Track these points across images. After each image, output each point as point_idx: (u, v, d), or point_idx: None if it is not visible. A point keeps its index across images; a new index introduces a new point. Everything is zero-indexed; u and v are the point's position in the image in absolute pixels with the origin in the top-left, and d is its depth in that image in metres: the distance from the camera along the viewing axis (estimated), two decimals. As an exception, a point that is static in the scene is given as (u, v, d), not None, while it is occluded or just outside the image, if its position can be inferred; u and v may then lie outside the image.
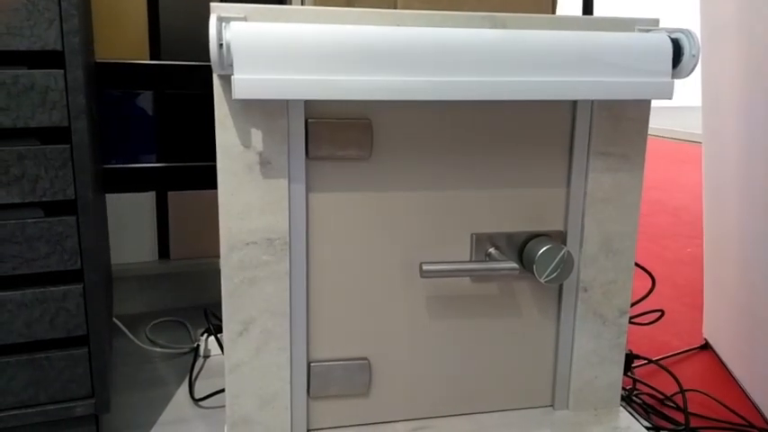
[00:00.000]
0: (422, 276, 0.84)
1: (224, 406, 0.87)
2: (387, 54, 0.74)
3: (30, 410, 0.87)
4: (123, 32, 1.37)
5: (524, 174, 0.89)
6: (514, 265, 0.86)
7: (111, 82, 1.37)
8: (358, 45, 0.74)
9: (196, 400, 1.10)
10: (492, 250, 0.89)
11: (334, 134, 0.82)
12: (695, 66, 0.80)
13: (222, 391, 1.09)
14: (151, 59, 1.41)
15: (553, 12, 0.96)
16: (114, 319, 1.30)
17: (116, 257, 1.43)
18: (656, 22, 0.86)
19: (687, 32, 0.80)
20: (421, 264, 0.84)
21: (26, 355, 0.86)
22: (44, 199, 0.82)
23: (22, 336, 0.85)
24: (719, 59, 1.35)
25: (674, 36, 0.81)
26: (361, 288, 0.88)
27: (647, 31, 0.84)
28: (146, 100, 1.41)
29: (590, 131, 0.89)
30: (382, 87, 0.74)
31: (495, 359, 0.94)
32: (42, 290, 0.85)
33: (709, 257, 1.52)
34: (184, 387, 1.14)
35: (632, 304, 0.96)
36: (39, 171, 0.81)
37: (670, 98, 0.81)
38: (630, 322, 0.96)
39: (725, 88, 1.33)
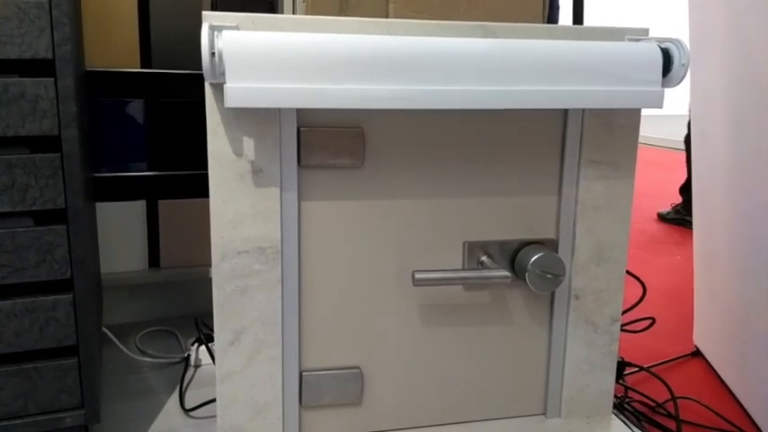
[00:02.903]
0: (414, 284, 0.84)
1: (215, 416, 0.86)
2: (379, 63, 0.74)
3: (19, 421, 0.86)
4: (114, 40, 1.37)
5: (516, 182, 0.89)
6: (506, 273, 0.86)
7: (101, 90, 1.36)
8: (350, 54, 0.74)
9: (187, 410, 1.09)
10: (484, 258, 0.89)
11: (326, 142, 0.82)
12: (685, 75, 0.81)
13: (213, 400, 1.08)
14: (142, 68, 1.40)
15: (544, 21, 0.96)
16: (104, 329, 1.29)
17: (106, 266, 1.42)
18: (646, 31, 0.86)
19: (677, 42, 0.81)
20: (413, 272, 0.84)
21: (15, 366, 0.85)
22: (34, 208, 0.81)
23: (12, 346, 0.84)
24: (708, 68, 1.36)
25: (663, 45, 0.82)
26: (353, 296, 0.88)
27: (637, 40, 0.85)
28: (136, 108, 1.41)
29: (581, 140, 0.89)
30: (374, 96, 0.74)
31: (487, 367, 0.94)
32: (32, 299, 0.84)
33: (699, 265, 1.52)
34: (175, 397, 1.14)
35: (623, 312, 0.96)
36: (29, 180, 0.80)
37: (660, 107, 0.81)
38: (622, 330, 0.97)
39: (714, 96, 1.35)
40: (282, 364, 0.86)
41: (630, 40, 0.85)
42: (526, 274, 0.86)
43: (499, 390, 0.95)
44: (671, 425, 1.17)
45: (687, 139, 3.20)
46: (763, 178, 1.16)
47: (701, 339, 1.52)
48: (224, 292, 0.82)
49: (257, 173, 0.80)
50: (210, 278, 0.82)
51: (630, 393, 1.26)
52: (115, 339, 1.27)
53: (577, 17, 1.28)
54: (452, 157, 0.87)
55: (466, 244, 0.89)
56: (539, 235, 0.91)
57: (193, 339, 1.31)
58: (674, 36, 0.82)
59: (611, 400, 0.98)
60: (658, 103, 0.82)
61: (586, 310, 0.94)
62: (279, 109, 0.79)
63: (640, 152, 0.97)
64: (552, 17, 2.29)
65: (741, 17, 1.19)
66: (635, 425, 1.15)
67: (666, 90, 0.82)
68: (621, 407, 1.20)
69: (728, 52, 1.26)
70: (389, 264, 0.88)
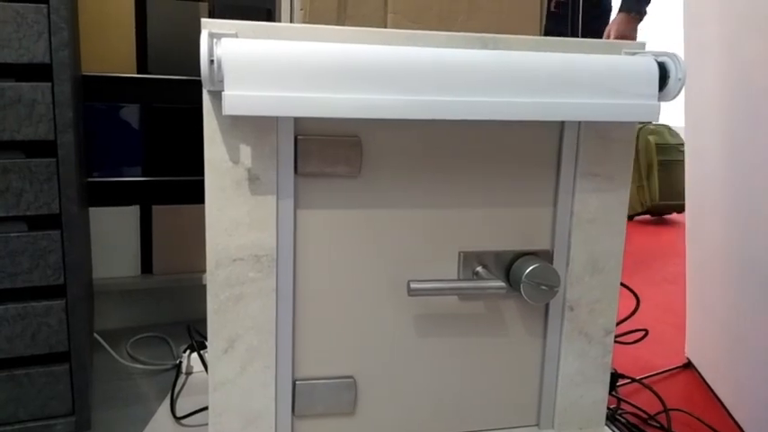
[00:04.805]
0: (409, 294, 0.84)
1: (206, 424, 0.86)
2: (376, 72, 0.74)
3: (9, 428, 0.85)
4: (111, 45, 1.37)
5: (512, 193, 0.89)
6: (501, 283, 0.86)
7: (97, 95, 1.36)
8: (348, 63, 0.74)
9: (178, 418, 1.09)
10: (479, 269, 0.89)
11: (323, 151, 0.82)
12: (681, 89, 0.81)
13: (205, 408, 1.07)
14: (138, 73, 1.40)
15: (541, 33, 0.97)
16: (95, 335, 1.28)
17: (98, 272, 1.42)
18: (643, 45, 0.87)
19: (673, 56, 0.82)
20: (409, 282, 0.84)
21: (6, 372, 0.84)
22: (28, 213, 0.81)
23: (2, 351, 0.83)
24: (703, 81, 1.37)
25: (660, 59, 0.82)
26: (348, 306, 0.87)
27: (634, 54, 0.86)
28: (132, 113, 1.40)
29: (577, 152, 0.89)
30: (372, 105, 0.75)
31: (481, 378, 0.94)
32: (24, 305, 0.83)
33: (691, 276, 1.53)
34: (166, 404, 1.13)
35: (617, 323, 0.96)
36: (23, 184, 0.80)
37: (656, 120, 0.82)
38: (615, 341, 0.97)
39: (708, 109, 1.35)
40: (276, 372, 0.86)
41: (627, 53, 0.86)
42: (521, 285, 0.86)
43: (493, 400, 0.95)
44: (663, 437, 1.17)
45: None
46: (756, 192, 1.16)
47: (693, 351, 1.52)
48: (218, 299, 0.82)
49: (254, 180, 0.80)
50: (203, 285, 0.82)
51: (623, 405, 1.26)
52: (106, 345, 1.27)
53: (574, 30, 1.29)
54: (449, 168, 0.87)
55: (461, 254, 0.89)
56: (534, 246, 0.91)
57: (185, 346, 1.30)
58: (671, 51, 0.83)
59: (604, 412, 0.98)
60: (654, 117, 0.82)
61: (580, 322, 0.94)
62: (276, 117, 0.79)
63: (635, 165, 0.97)
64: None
65: (736, 35, 1.20)
66: (627, 437, 1.15)
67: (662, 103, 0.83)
68: (614, 418, 1.20)
69: (723, 68, 1.27)
70: (385, 273, 0.88)
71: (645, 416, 1.23)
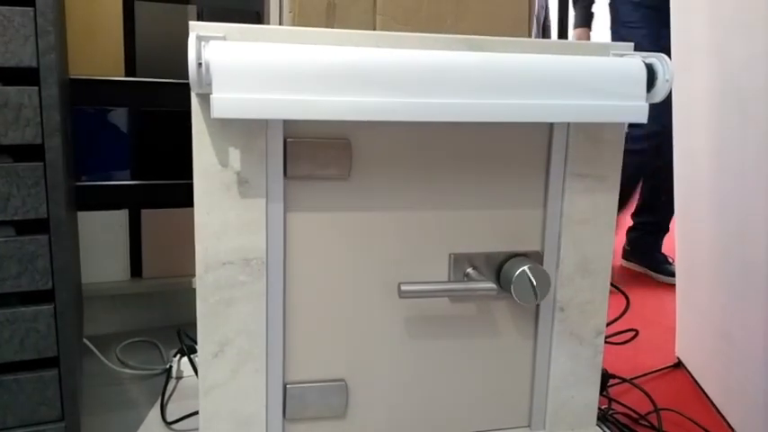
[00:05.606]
0: (400, 297, 0.84)
1: (197, 429, 0.85)
2: (366, 75, 0.74)
3: (-4, 435, 0.85)
4: (98, 48, 1.36)
5: (502, 194, 0.89)
6: (492, 285, 0.86)
7: (85, 98, 1.35)
8: (337, 66, 0.74)
9: (168, 423, 1.08)
10: (470, 270, 0.89)
11: (312, 154, 0.82)
12: (669, 90, 0.82)
13: (195, 413, 1.07)
14: (126, 76, 1.39)
15: (529, 34, 0.97)
16: (85, 340, 1.27)
17: (87, 276, 1.41)
18: (630, 46, 0.87)
19: (661, 57, 0.82)
20: (399, 284, 0.84)
21: (-6, 378, 0.83)
22: (16, 218, 0.80)
23: (-10, 358, 0.83)
24: (691, 82, 1.38)
25: (648, 61, 0.83)
26: (338, 309, 0.87)
27: (622, 55, 0.86)
28: (120, 117, 1.40)
29: (566, 153, 0.90)
30: (361, 108, 0.75)
31: (472, 379, 0.94)
32: (12, 310, 0.82)
33: (680, 277, 1.54)
34: (156, 409, 1.12)
35: (607, 324, 0.97)
36: (11, 189, 0.79)
37: (644, 121, 0.82)
38: (605, 342, 0.97)
39: (697, 111, 1.36)
40: (266, 376, 0.85)
41: (615, 55, 0.86)
42: (511, 287, 0.86)
43: (484, 402, 0.95)
44: (654, 437, 1.17)
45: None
46: (746, 194, 1.17)
47: (683, 351, 1.53)
48: (208, 303, 0.82)
49: (243, 184, 0.80)
50: (193, 289, 0.82)
51: (614, 405, 1.26)
52: (96, 350, 1.26)
53: (562, 32, 1.29)
54: (439, 170, 0.87)
55: (452, 256, 0.89)
56: (524, 247, 0.91)
57: (175, 351, 1.29)
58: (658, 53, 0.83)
59: (595, 413, 0.98)
60: (642, 117, 0.82)
61: (571, 323, 0.94)
62: (266, 120, 0.79)
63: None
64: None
65: (725, 36, 1.21)
66: (618, 437, 1.15)
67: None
68: (605, 418, 1.20)
69: (712, 70, 1.28)
70: (375, 275, 0.87)
71: (636, 416, 1.24)
